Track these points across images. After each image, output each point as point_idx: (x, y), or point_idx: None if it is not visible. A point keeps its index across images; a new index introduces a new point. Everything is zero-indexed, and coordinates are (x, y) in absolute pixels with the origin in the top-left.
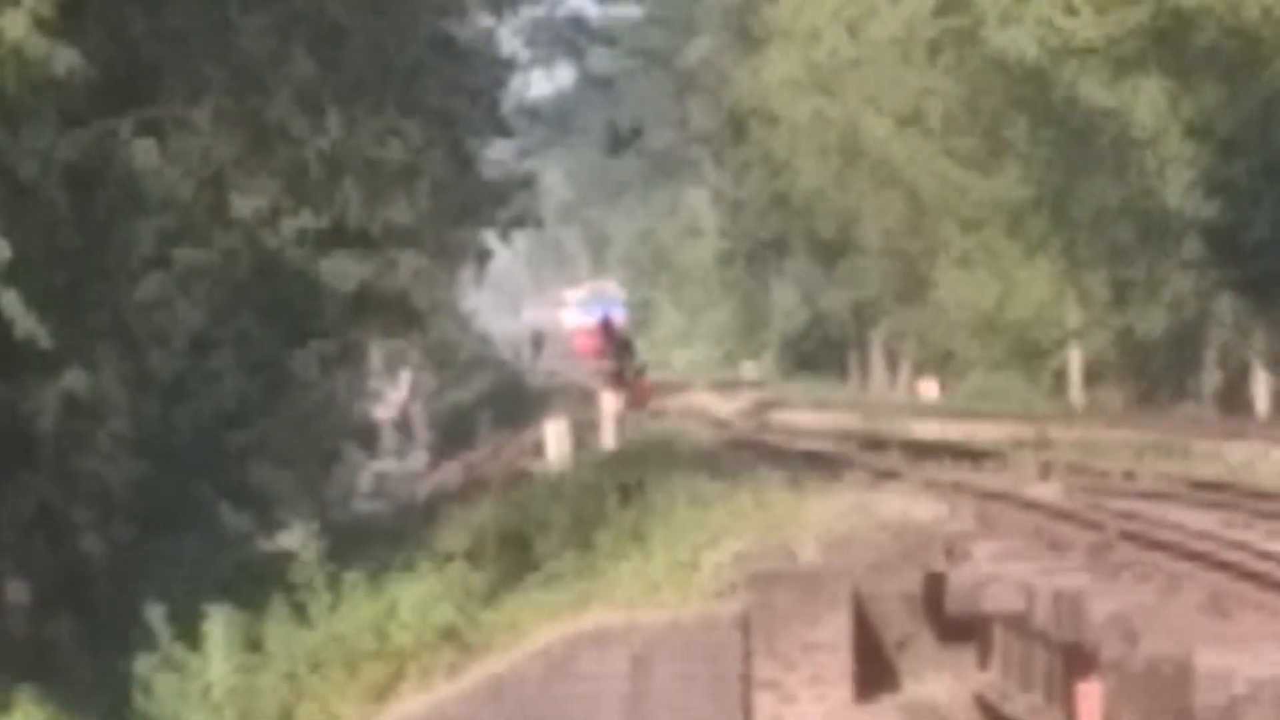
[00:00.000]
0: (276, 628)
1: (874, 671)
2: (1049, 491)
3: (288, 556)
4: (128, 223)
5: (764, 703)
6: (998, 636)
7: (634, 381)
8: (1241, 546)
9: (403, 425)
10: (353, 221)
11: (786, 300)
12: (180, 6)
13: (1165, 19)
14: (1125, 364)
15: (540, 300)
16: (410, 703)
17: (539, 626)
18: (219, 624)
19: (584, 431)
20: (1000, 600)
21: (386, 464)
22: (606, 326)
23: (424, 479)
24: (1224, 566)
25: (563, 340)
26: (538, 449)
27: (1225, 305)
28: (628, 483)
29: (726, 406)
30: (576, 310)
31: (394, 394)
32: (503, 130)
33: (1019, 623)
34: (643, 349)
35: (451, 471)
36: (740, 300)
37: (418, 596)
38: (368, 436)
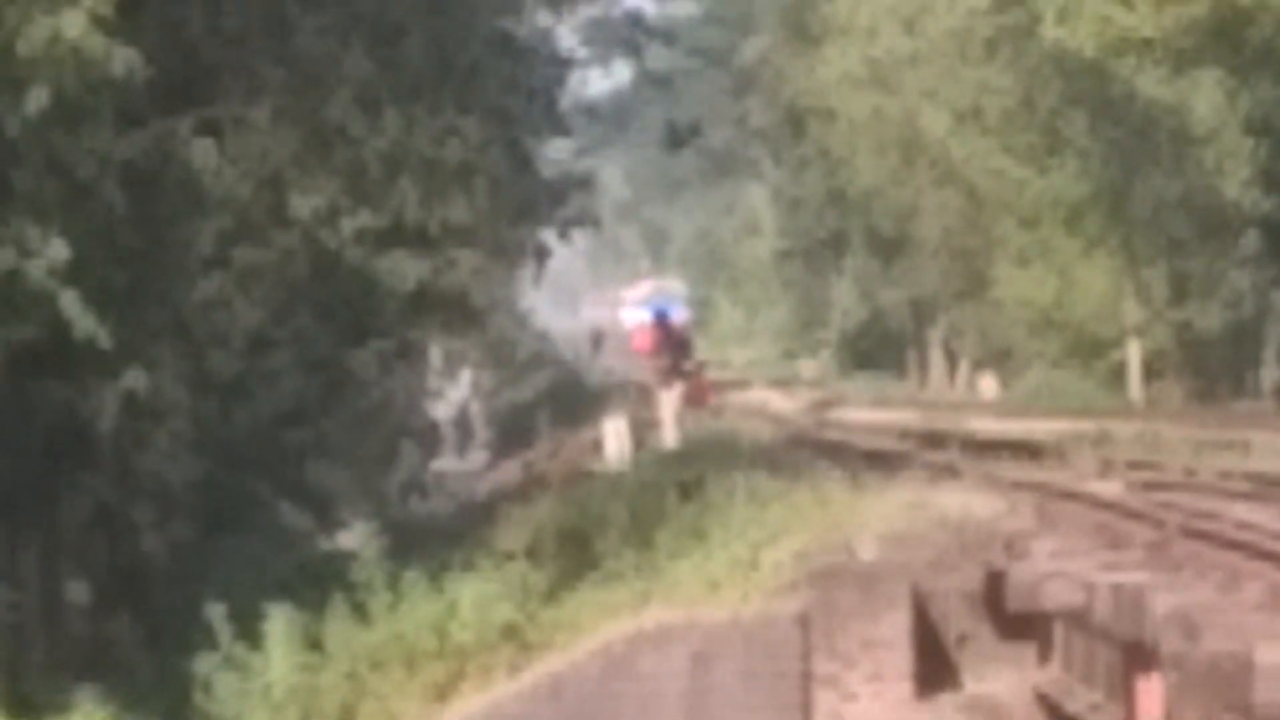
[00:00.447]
0: (337, 627)
1: (934, 668)
2: (1109, 487)
3: (348, 555)
4: (187, 222)
5: (824, 700)
6: (1058, 633)
7: (693, 379)
8: None
9: (462, 424)
10: (411, 220)
11: (845, 297)
12: (239, 6)
13: (1223, 14)
14: (1184, 359)
15: (599, 298)
16: (470, 702)
17: (598, 625)
18: (279, 623)
19: (643, 430)
20: (1060, 597)
21: (446, 462)
22: (661, 322)
23: (483, 477)
24: None
25: (622, 338)
26: (596, 447)
27: None
28: (687, 480)
29: (785, 404)
30: (636, 308)
31: (453, 392)
32: (561, 129)
33: (1079, 619)
34: (701, 347)
35: (510, 470)
36: (799, 297)
37: (477, 595)
38: (427, 435)
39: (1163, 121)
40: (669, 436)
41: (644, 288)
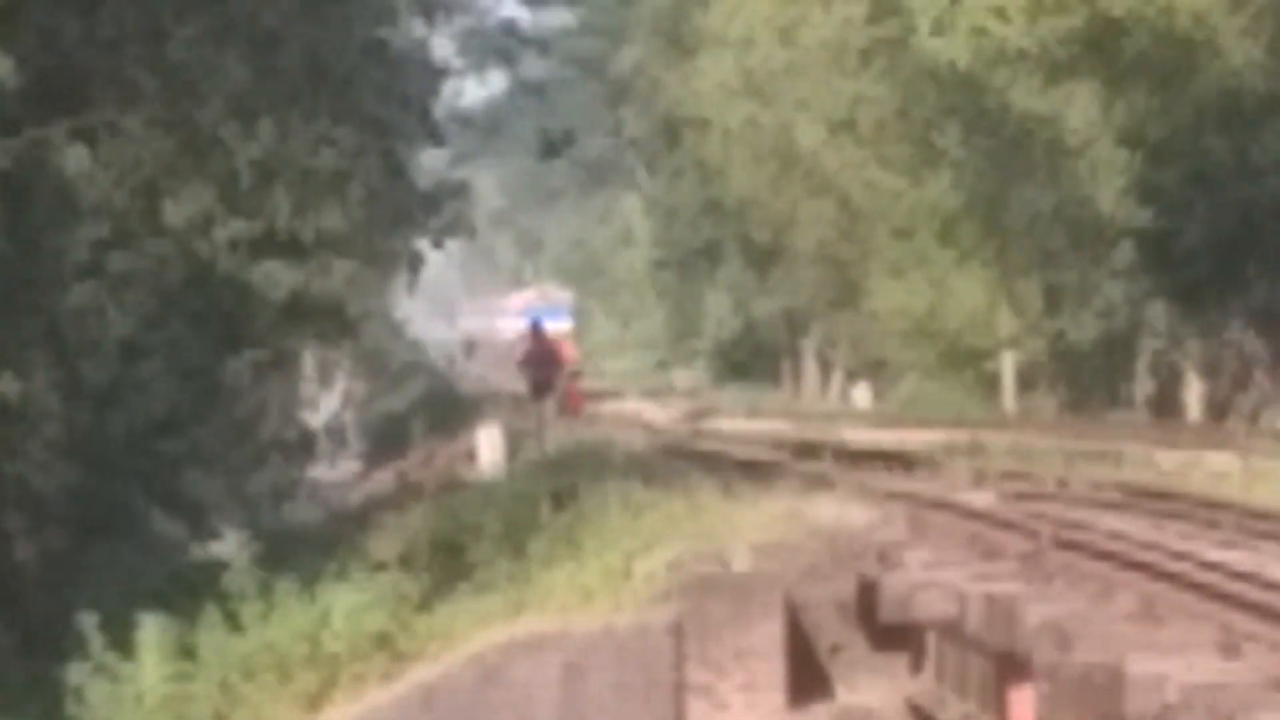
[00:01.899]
0: (209, 635)
1: (807, 678)
2: (982, 498)
3: (220, 564)
4: (60, 230)
5: (697, 709)
6: (931, 643)
7: (567, 389)
8: (1174, 553)
9: (335, 432)
10: (285, 229)
11: (719, 307)
12: (113, 13)
13: (1098, 26)
14: (1058, 370)
15: (477, 307)
16: (343, 710)
17: (472, 633)
18: (152, 631)
19: (517, 438)
20: (933, 607)
21: (319, 471)
22: (536, 333)
23: (357, 486)
24: (1156, 573)
25: (499, 348)
26: (470, 456)
27: (1157, 312)
28: (560, 490)
29: (660, 414)
30: (518, 317)
31: (326, 401)
32: (435, 137)
33: (952, 629)
34: (576, 356)
35: (384, 479)
36: (673, 307)
37: (350, 604)
38: (300, 444)
39: (1037, 133)
40: (541, 445)
41: (526, 296)
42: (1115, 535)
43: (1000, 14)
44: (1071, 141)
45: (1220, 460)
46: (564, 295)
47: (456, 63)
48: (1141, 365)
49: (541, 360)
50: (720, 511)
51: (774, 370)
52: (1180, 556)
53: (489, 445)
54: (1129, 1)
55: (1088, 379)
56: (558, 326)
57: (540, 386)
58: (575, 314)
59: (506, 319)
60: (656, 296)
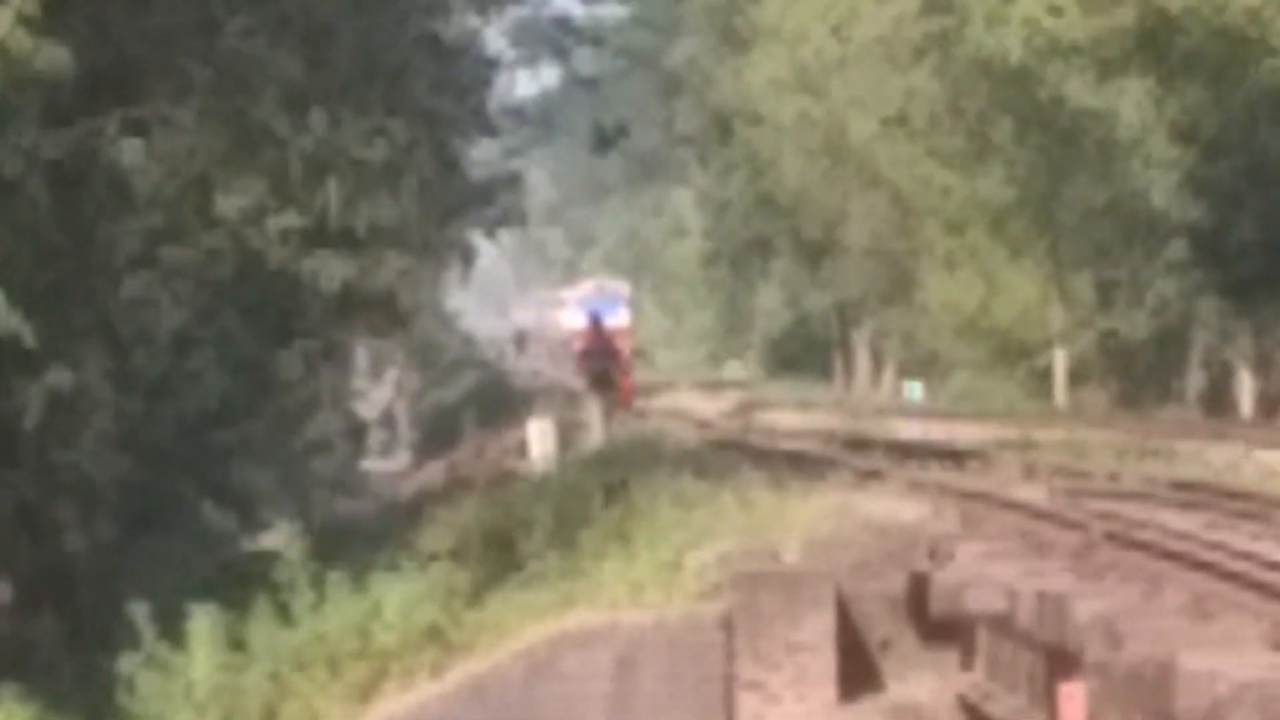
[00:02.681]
0: (260, 627)
1: (857, 672)
2: (1033, 492)
3: (271, 556)
4: (113, 221)
5: (747, 703)
6: (981, 638)
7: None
8: (1224, 548)
9: (387, 425)
10: (337, 221)
11: (771, 301)
12: (166, 5)
13: (1151, 21)
14: (1110, 365)
15: (532, 299)
16: (393, 702)
17: (522, 626)
18: (203, 623)
19: (568, 431)
20: (984, 601)
21: (371, 463)
22: (595, 326)
23: (408, 478)
24: (1207, 568)
25: (553, 341)
26: (521, 449)
27: (1209, 307)
28: (612, 483)
29: (711, 407)
30: (577, 309)
31: (379, 393)
32: (488, 130)
33: (1002, 624)
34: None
35: (435, 471)
36: (725, 301)
37: (401, 596)
38: (352, 436)
39: (1089, 128)
40: (594, 437)
41: (585, 287)
42: (1166, 531)
43: (1053, 8)
44: (1124, 137)
45: (1272, 457)
46: (622, 287)
47: (509, 55)
48: (1193, 361)
49: (600, 354)
50: (771, 505)
51: (825, 364)
52: (1231, 552)
53: (540, 438)
54: None
55: (1139, 374)
56: (615, 320)
57: (599, 380)
58: (633, 306)
59: (563, 311)
60: (708, 290)
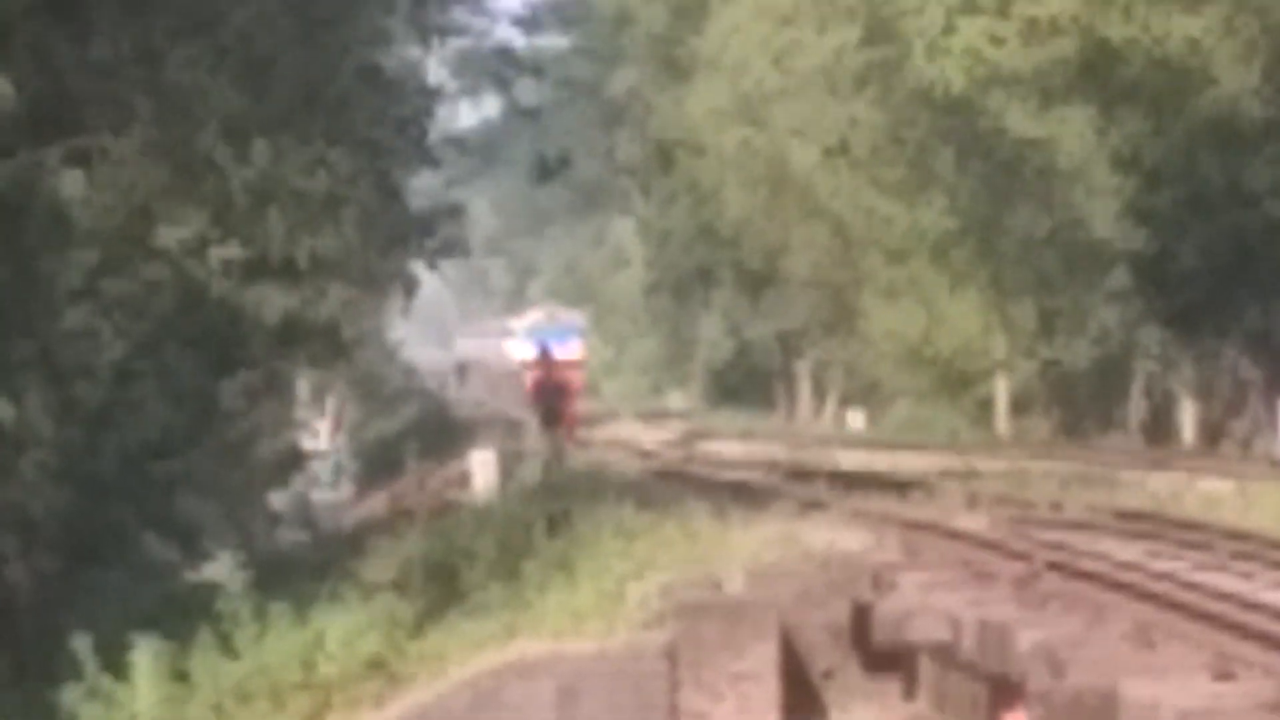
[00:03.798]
0: (203, 658)
1: (801, 702)
2: (975, 522)
3: (214, 587)
4: (53, 253)
5: None
6: (924, 667)
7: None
8: (1167, 577)
9: (329, 456)
10: (279, 252)
11: (713, 330)
12: (107, 37)
13: (1091, 50)
14: (1052, 394)
15: (475, 329)
16: None
17: (465, 657)
18: (145, 654)
19: (510, 462)
20: (927, 631)
21: (312, 494)
22: (545, 358)
23: (350, 509)
24: (1150, 597)
25: (495, 371)
26: (464, 480)
27: (1151, 336)
28: (554, 513)
29: (653, 437)
30: (525, 339)
31: (320, 424)
32: (430, 160)
33: (945, 653)
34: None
35: (377, 502)
36: (667, 330)
37: (344, 627)
38: (294, 467)
39: (1031, 157)
40: (535, 469)
41: (533, 316)
42: (1108, 559)
43: (994, 39)
44: (1065, 166)
45: (1214, 485)
46: (575, 316)
47: (451, 86)
48: (1135, 389)
49: (551, 389)
50: (714, 535)
51: (768, 394)
52: (1174, 581)
53: (482, 469)
54: (1123, 28)
55: (1082, 403)
56: (568, 351)
57: (550, 416)
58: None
59: (510, 341)
60: (650, 320)
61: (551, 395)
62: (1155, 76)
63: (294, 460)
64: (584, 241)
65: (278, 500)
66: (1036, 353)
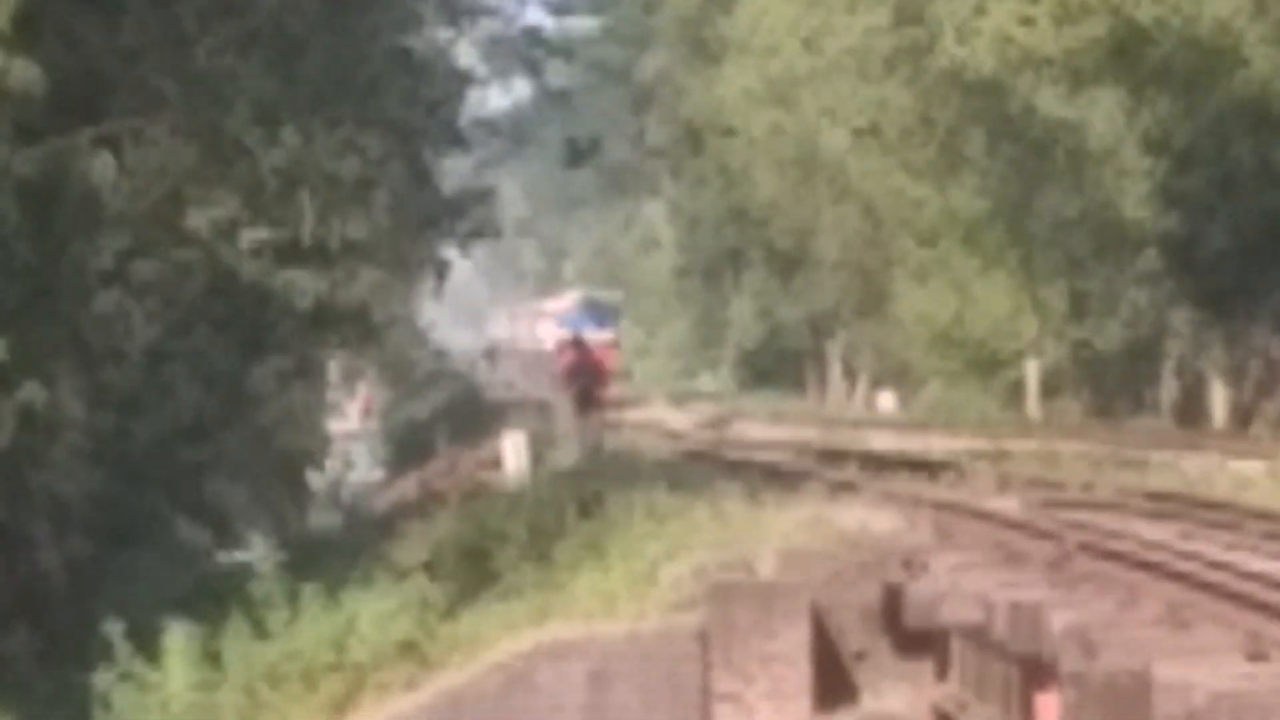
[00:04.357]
0: (235, 642)
1: (832, 684)
2: (1007, 504)
3: (246, 570)
4: (84, 237)
5: (723, 715)
6: (956, 649)
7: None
8: (1199, 558)
9: (360, 439)
10: (310, 235)
11: (744, 313)
12: (137, 20)
13: (1122, 32)
14: (1083, 376)
15: (508, 312)
16: (368, 716)
17: (497, 640)
18: (177, 639)
19: (541, 445)
20: (958, 612)
21: (344, 477)
22: (578, 344)
23: (381, 492)
24: (1182, 578)
25: (529, 354)
26: (495, 462)
27: (1182, 318)
28: (585, 496)
29: (684, 419)
30: (560, 323)
31: (351, 408)
32: (460, 143)
33: (977, 635)
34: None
35: (409, 485)
36: (698, 313)
37: (376, 610)
38: (325, 450)
39: (1061, 139)
40: (568, 451)
41: (568, 299)
42: (1141, 542)
43: (1025, 21)
44: (1096, 148)
45: (1245, 467)
46: (610, 297)
47: (481, 70)
48: (1166, 371)
49: (586, 372)
50: (745, 518)
51: (799, 376)
52: (1206, 562)
53: (514, 452)
54: (1153, 9)
55: (1112, 385)
56: (602, 334)
57: (585, 400)
58: (621, 318)
59: (545, 323)
60: (681, 303)
61: (587, 379)
62: (1186, 57)
63: (325, 443)
64: (614, 224)
65: (309, 484)
66: (1067, 334)
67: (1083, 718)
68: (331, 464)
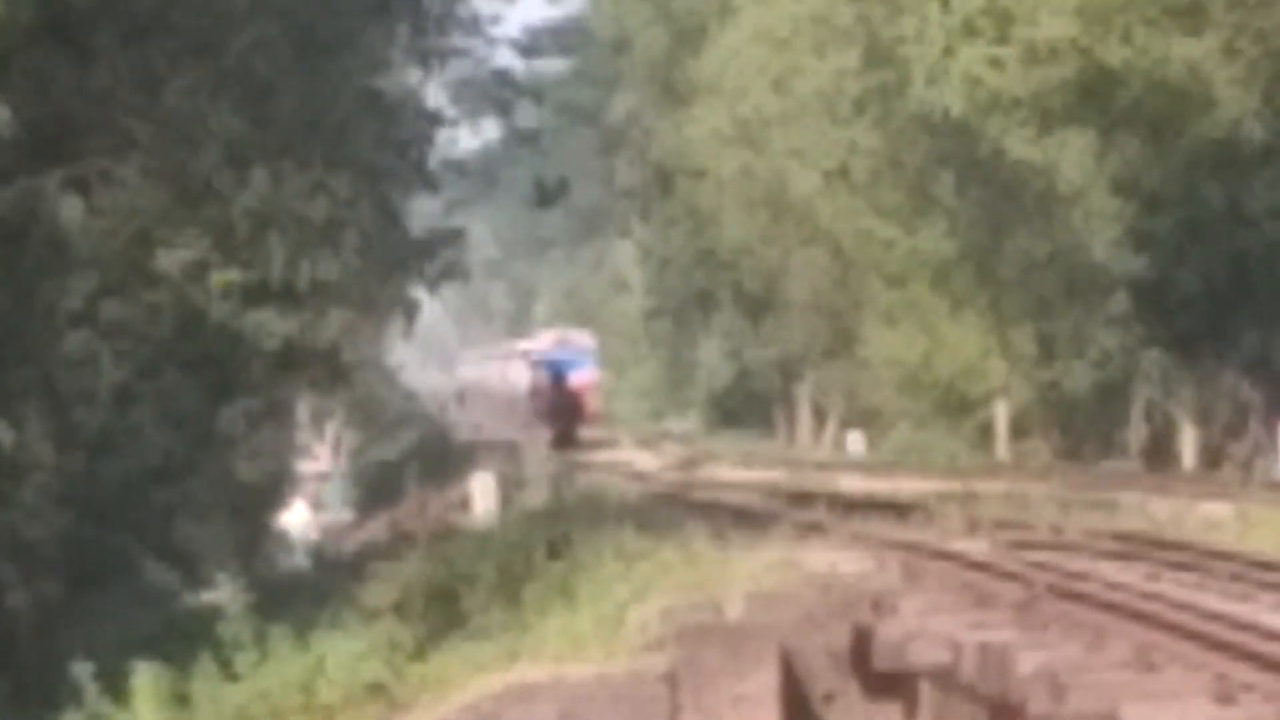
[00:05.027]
0: (203, 684)
1: None
2: (976, 546)
3: (214, 612)
4: (53, 279)
5: None
6: (925, 691)
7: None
8: (1167, 600)
9: (329, 480)
10: (279, 277)
11: (713, 355)
12: (107, 62)
13: (1091, 74)
14: (1051, 418)
15: (479, 354)
16: None
17: (466, 681)
18: (146, 680)
19: (510, 486)
20: (927, 654)
21: (313, 519)
22: (557, 383)
23: (350, 534)
24: (1150, 620)
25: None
26: (464, 504)
27: (1151, 360)
28: (554, 538)
29: (653, 461)
30: (534, 364)
31: (320, 449)
32: (430, 185)
33: (946, 677)
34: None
35: (378, 526)
36: (667, 355)
37: (345, 652)
38: (294, 492)
39: (1030, 182)
40: (536, 493)
41: (544, 338)
42: (1110, 584)
43: (994, 63)
44: (1065, 190)
45: (1214, 509)
46: (585, 339)
47: (450, 111)
48: (1135, 413)
49: (564, 411)
50: (714, 560)
51: (768, 418)
52: (1175, 605)
53: (483, 493)
54: (1122, 51)
55: (1082, 427)
56: (583, 374)
57: (563, 438)
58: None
59: (518, 364)
60: (650, 345)
61: (565, 418)
62: (1155, 100)
63: (294, 486)
64: (584, 266)
65: (278, 525)
66: (1036, 377)
67: None
68: (301, 506)
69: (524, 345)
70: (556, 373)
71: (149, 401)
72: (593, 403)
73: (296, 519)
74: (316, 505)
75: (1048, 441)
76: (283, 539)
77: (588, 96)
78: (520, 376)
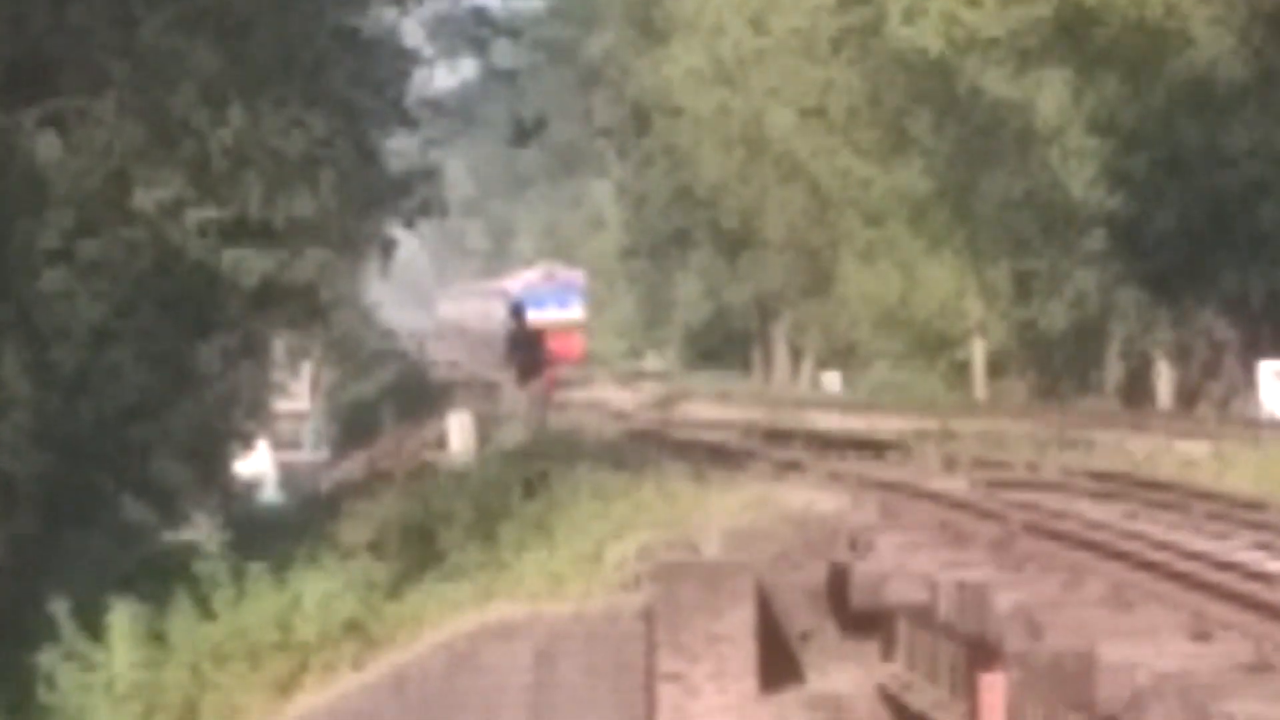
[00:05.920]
0: (180, 621)
1: (778, 664)
2: (953, 484)
3: (191, 549)
4: (30, 216)
5: (668, 695)
6: (902, 629)
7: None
8: (1144, 538)
9: (306, 418)
10: (256, 214)
11: (690, 293)
12: (83, 1)
13: (1069, 13)
14: (1028, 357)
15: (457, 291)
16: (314, 695)
17: (442, 619)
18: (123, 617)
19: (487, 425)
20: (904, 593)
21: (289, 456)
22: (517, 315)
23: (327, 472)
24: (1127, 558)
25: (475, 335)
26: (441, 442)
27: (1128, 298)
28: (531, 476)
29: (630, 399)
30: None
31: (297, 387)
32: (407, 122)
33: (923, 615)
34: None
35: (355, 464)
36: (644, 293)
37: (321, 589)
38: (271, 429)
39: (1008, 120)
40: (513, 431)
41: (528, 275)
42: (1086, 522)
43: (972, 1)
44: (1042, 129)
45: (1191, 448)
46: (572, 275)
47: (427, 49)
48: (1112, 352)
49: (524, 344)
50: (691, 498)
51: (744, 356)
52: (1150, 542)
53: (460, 432)
54: None
55: (1058, 365)
56: (566, 312)
57: (524, 373)
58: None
59: (495, 304)
60: (627, 283)
61: (525, 351)
62: (1132, 38)
63: (270, 423)
64: (562, 204)
65: (256, 462)
66: (1013, 315)
67: (1028, 697)
68: (278, 443)
69: (509, 282)
70: (517, 309)
71: (126, 339)
72: (576, 345)
73: (259, 463)
74: (294, 444)
75: (1025, 380)
76: (260, 476)
77: (565, 34)
78: (501, 314)
